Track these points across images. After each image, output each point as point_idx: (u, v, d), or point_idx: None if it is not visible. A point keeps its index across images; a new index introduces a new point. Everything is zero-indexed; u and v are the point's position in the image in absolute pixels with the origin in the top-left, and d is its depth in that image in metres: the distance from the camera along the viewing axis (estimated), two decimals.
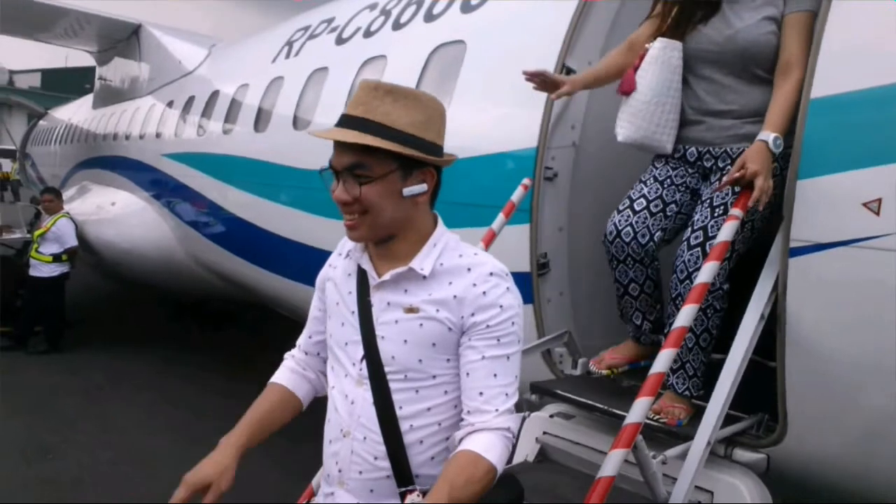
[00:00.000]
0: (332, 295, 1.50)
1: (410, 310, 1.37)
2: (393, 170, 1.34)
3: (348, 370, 1.42)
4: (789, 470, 2.14)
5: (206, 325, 8.56)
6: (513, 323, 1.37)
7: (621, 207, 2.38)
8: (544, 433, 2.52)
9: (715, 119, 2.26)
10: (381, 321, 1.39)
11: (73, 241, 7.50)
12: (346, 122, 1.36)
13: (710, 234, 2.16)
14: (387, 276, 1.40)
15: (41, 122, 18.04)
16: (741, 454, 2.16)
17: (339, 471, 1.41)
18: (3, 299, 7.97)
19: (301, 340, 1.63)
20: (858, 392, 1.97)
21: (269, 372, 1.59)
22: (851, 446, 2.05)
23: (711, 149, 2.28)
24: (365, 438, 1.38)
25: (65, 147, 12.76)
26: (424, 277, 1.37)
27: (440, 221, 1.46)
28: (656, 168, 2.41)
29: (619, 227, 2.33)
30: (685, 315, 1.87)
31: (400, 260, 1.40)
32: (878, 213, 1.84)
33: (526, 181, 2.61)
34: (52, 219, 7.59)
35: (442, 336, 1.36)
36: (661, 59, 2.27)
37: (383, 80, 1.42)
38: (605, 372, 2.33)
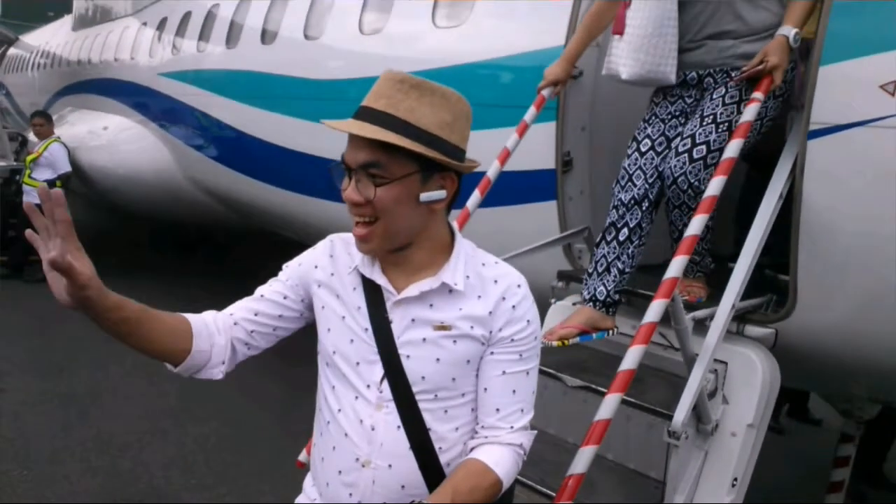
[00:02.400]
0: (331, 305, 1.35)
1: (442, 327, 1.28)
2: (413, 172, 1.22)
3: (361, 392, 1.30)
4: (796, 342, 2.35)
5: (200, 254, 8.62)
6: (535, 338, 1.32)
7: (629, 151, 2.43)
8: None
9: (713, 41, 2.32)
10: (404, 339, 1.29)
11: (66, 167, 7.43)
12: (365, 114, 1.23)
13: (698, 141, 2.25)
14: (412, 292, 1.29)
15: (11, 49, 17.38)
16: (752, 330, 2.36)
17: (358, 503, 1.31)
18: None
19: (238, 311, 1.39)
20: (866, 264, 2.15)
21: None
22: (854, 317, 2.26)
23: (712, 70, 2.35)
24: (391, 466, 1.28)
25: (43, 73, 12.39)
26: (451, 291, 1.29)
27: (456, 229, 1.37)
28: (656, 105, 2.47)
29: (630, 171, 2.39)
30: (715, 185, 2.04)
31: (418, 271, 1.30)
32: (893, 94, 2.00)
33: None
34: (44, 143, 7.49)
35: (475, 352, 1.30)
36: None
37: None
38: (556, 343, 2.30)
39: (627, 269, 2.38)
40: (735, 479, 2.16)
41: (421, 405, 1.28)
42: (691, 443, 2.18)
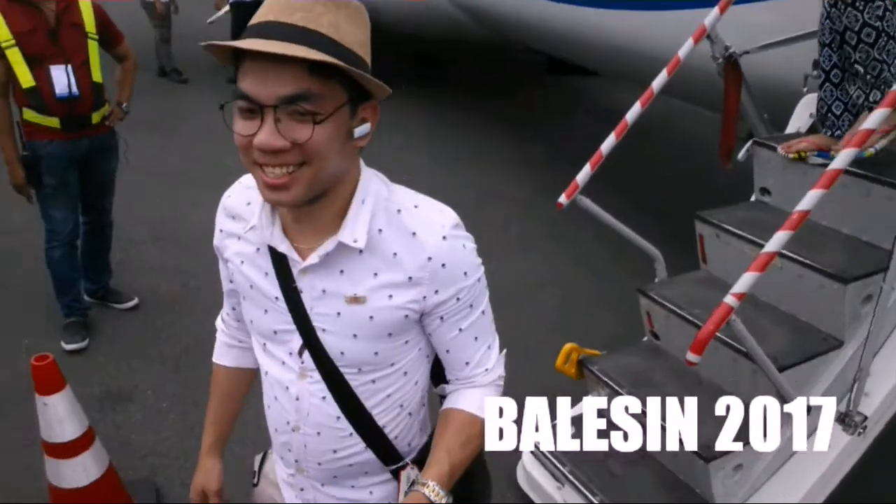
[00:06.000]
0: (237, 275, 1.19)
1: (355, 300, 1.08)
2: (344, 103, 0.96)
3: (284, 359, 1.18)
4: None
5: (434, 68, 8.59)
6: (479, 280, 1.14)
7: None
8: None
9: None
10: (317, 311, 1.11)
11: None
12: (275, 32, 0.93)
13: None
14: (313, 260, 1.07)
15: None
16: None
17: (296, 460, 1.25)
18: None
19: (225, 313, 1.39)
20: None
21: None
22: None
23: None
24: (319, 434, 1.19)
25: None
26: (361, 252, 1.07)
27: (362, 164, 1.11)
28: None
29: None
30: None
31: (324, 227, 1.06)
32: None
33: None
34: None
35: (398, 324, 1.11)
36: None
37: None
38: (792, 156, 2.47)
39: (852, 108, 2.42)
40: None
41: (346, 377, 1.15)
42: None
